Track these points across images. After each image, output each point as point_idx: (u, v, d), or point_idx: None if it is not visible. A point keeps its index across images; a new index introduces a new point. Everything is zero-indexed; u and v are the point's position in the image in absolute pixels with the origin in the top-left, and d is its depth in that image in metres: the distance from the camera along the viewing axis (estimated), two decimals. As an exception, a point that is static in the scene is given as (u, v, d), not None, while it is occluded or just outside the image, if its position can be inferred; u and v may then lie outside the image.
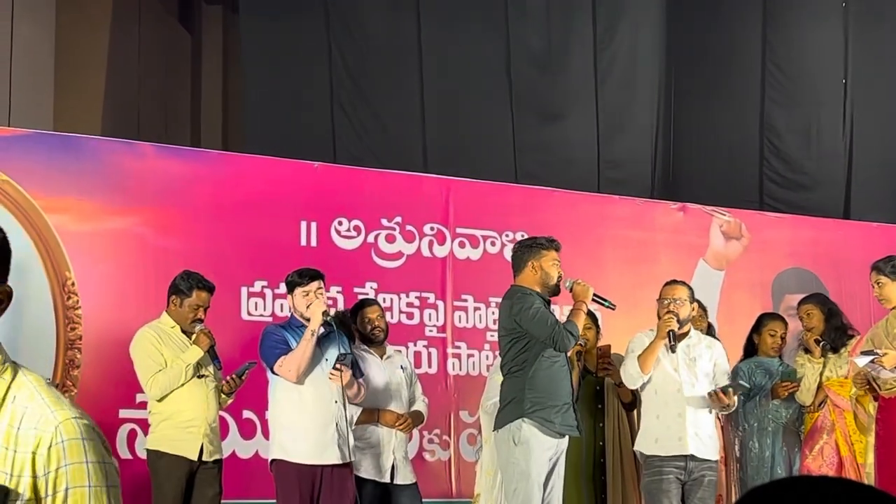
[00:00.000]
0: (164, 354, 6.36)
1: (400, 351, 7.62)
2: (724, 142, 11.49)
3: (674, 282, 6.71)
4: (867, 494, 1.34)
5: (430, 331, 7.86)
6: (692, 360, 6.46)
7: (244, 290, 8.49)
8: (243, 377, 6.61)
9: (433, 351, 8.13)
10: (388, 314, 8.53)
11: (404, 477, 6.85)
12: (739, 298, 9.92)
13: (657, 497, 6.34)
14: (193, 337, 6.34)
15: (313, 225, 8.78)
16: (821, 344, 6.92)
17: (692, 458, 6.35)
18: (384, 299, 8.81)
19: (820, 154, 11.52)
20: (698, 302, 7.44)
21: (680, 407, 6.40)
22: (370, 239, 8.98)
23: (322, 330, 6.40)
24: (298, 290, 6.48)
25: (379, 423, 6.75)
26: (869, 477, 6.86)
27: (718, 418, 7.12)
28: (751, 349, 7.31)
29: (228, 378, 6.57)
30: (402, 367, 7.04)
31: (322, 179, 8.94)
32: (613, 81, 11.41)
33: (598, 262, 9.61)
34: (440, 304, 9.00)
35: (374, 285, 8.86)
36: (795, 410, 7.07)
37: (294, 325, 6.48)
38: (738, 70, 11.79)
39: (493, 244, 9.35)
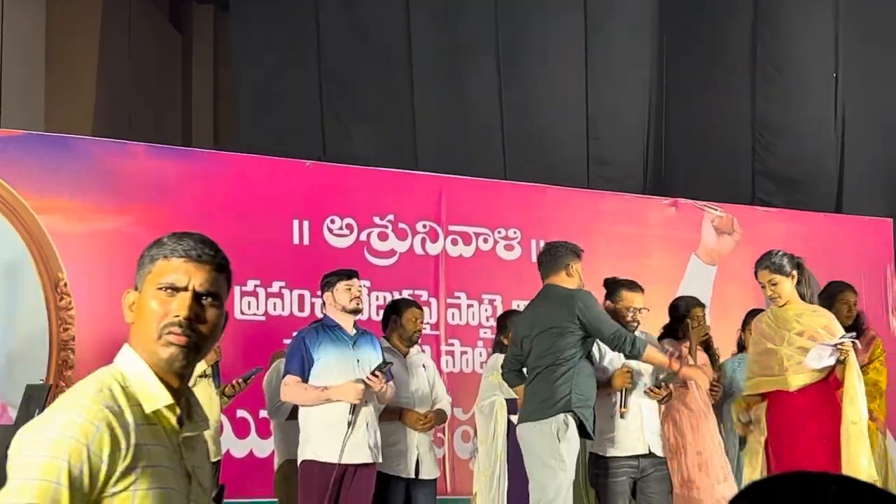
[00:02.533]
0: None
1: (424, 351, 7.62)
2: (715, 137, 11.50)
3: (636, 287, 6.68)
4: (863, 490, 1.34)
5: (423, 328, 7.84)
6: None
7: (237, 290, 8.48)
8: (248, 381, 6.63)
9: (426, 348, 8.13)
10: (380, 312, 8.54)
11: (429, 471, 6.85)
12: (732, 293, 9.93)
13: (613, 497, 6.37)
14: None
15: (306, 223, 8.78)
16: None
17: (647, 455, 6.40)
18: (377, 297, 8.81)
19: (811, 149, 11.53)
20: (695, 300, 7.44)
21: (635, 406, 6.43)
22: (363, 237, 8.97)
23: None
24: (342, 284, 6.49)
25: (399, 421, 6.75)
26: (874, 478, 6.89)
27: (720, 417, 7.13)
28: (742, 346, 7.30)
29: (234, 382, 6.58)
30: (423, 367, 7.03)
31: (314, 178, 8.94)
32: (604, 77, 11.41)
33: (591, 258, 9.58)
34: (433, 301, 9.00)
35: (367, 283, 8.85)
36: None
37: (329, 326, 6.48)
38: (729, 65, 11.80)
39: (485, 241, 9.35)
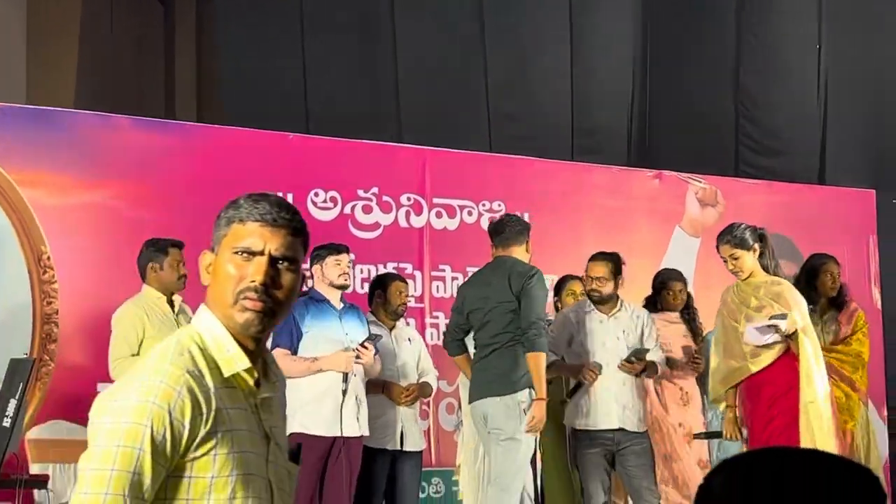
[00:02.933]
0: (146, 331, 6.31)
1: (408, 324, 7.63)
2: (699, 109, 11.50)
3: (596, 258, 6.69)
4: (838, 465, 1.34)
5: (408, 301, 7.84)
6: (622, 333, 6.51)
7: (221, 263, 8.44)
8: None
9: (411, 321, 8.14)
10: (365, 285, 8.53)
11: (413, 443, 6.88)
12: (716, 265, 9.90)
13: (590, 470, 6.41)
14: None
15: (289, 196, 8.73)
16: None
17: (620, 431, 6.42)
18: (361, 270, 8.81)
19: (795, 120, 11.54)
20: (677, 273, 7.45)
21: (607, 381, 6.45)
22: (347, 210, 8.95)
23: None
24: (331, 259, 6.52)
25: (383, 395, 6.76)
26: (857, 449, 6.91)
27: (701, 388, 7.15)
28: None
29: None
30: (409, 340, 7.05)
31: (297, 150, 8.91)
32: (589, 49, 11.39)
33: (576, 231, 9.61)
34: (417, 274, 9.00)
35: (352, 256, 8.84)
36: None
37: (316, 300, 6.50)
38: (713, 37, 11.79)
39: (469, 214, 9.34)
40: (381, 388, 6.79)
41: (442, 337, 6.70)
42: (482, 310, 6.34)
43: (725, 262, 6.24)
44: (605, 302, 6.57)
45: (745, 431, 6.20)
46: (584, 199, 9.82)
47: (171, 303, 6.46)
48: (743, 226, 6.37)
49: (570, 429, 6.54)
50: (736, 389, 6.21)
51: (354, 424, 6.33)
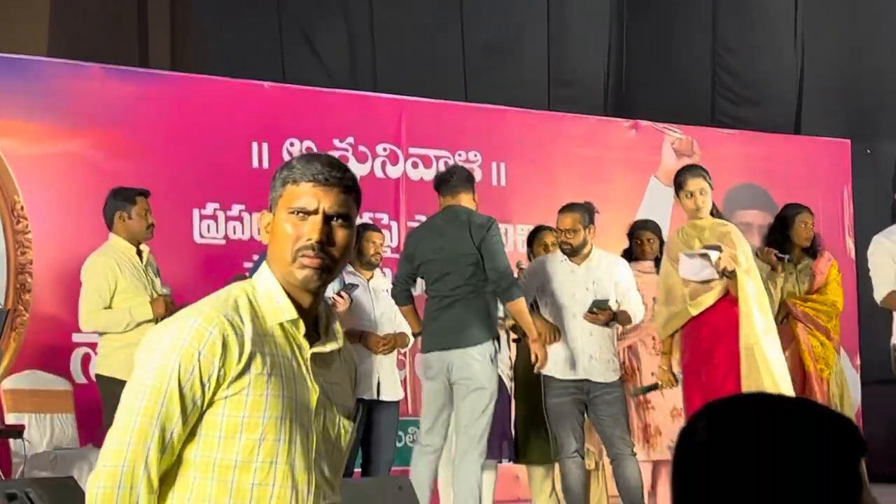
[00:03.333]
0: (118, 284, 6.25)
1: (385, 274, 7.62)
2: (676, 59, 11.47)
3: (565, 209, 6.68)
4: (820, 412, 1.35)
5: (384, 251, 7.83)
6: (593, 282, 6.49)
7: (196, 213, 8.43)
8: None
9: (387, 271, 8.14)
10: (341, 235, 8.52)
11: (390, 393, 6.89)
12: (691, 215, 9.96)
13: (559, 418, 6.44)
14: (156, 297, 6.22)
15: (265, 146, 8.72)
16: (782, 258, 6.95)
17: (588, 381, 6.44)
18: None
19: (771, 70, 11.53)
20: (651, 224, 7.46)
21: (575, 331, 6.45)
22: (322, 160, 8.90)
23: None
24: None
25: (360, 344, 6.74)
26: (833, 396, 6.95)
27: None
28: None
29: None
30: (386, 291, 7.02)
31: (273, 100, 8.87)
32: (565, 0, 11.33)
33: (551, 181, 9.61)
34: (394, 224, 9.00)
35: (328, 206, 8.82)
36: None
37: None
38: (690, -14, 11.74)
39: (446, 164, 9.32)
40: (358, 337, 6.80)
41: (391, 287, 6.67)
42: (437, 261, 6.33)
43: (690, 196, 6.15)
44: (577, 252, 6.56)
45: (680, 377, 6.22)
46: (561, 149, 9.82)
47: (139, 253, 6.40)
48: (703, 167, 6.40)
49: (543, 377, 6.57)
50: (674, 337, 6.20)
51: None
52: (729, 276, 6.01)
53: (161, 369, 2.27)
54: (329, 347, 2.44)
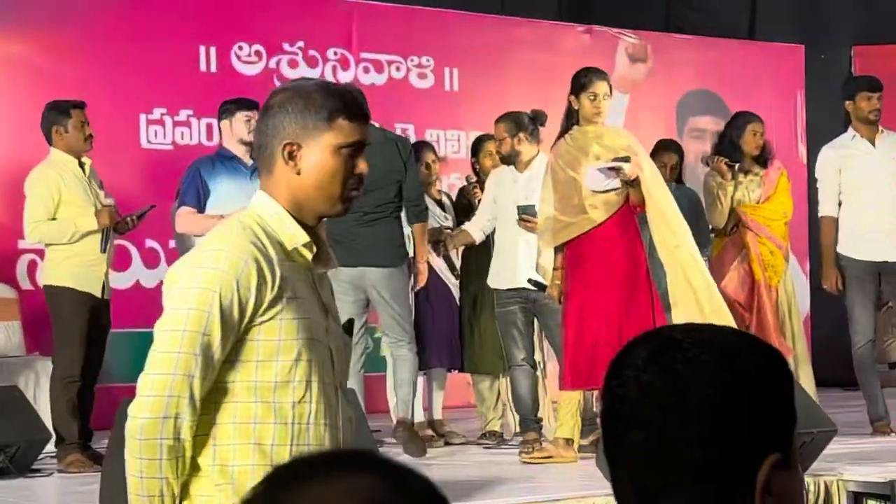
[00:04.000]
0: (62, 195, 6.18)
1: None
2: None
3: (497, 120, 6.60)
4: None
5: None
6: (533, 191, 6.40)
7: (143, 118, 8.31)
8: (142, 218, 6.48)
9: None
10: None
11: None
12: (644, 121, 9.94)
13: (506, 328, 6.44)
14: (100, 208, 6.15)
15: (212, 49, 8.58)
16: (733, 167, 6.94)
17: (527, 290, 6.40)
18: (287, 126, 8.70)
19: (727, -26, 11.43)
20: None
21: (515, 240, 6.42)
22: (272, 64, 8.80)
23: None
24: (241, 114, 6.32)
25: None
26: (781, 303, 6.99)
27: None
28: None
29: (128, 218, 6.40)
30: None
31: (221, 2, 8.71)
32: None
33: (504, 86, 9.54)
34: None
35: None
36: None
37: (225, 157, 6.34)
38: None
39: (398, 69, 9.23)
40: None
41: None
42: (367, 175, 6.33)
43: (593, 99, 6.01)
44: (511, 161, 6.45)
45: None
46: (514, 54, 9.73)
47: (81, 165, 6.32)
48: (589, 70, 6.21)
49: (492, 290, 6.56)
50: (564, 249, 6.06)
51: None
52: (632, 185, 5.89)
53: (202, 299, 2.32)
54: (327, 267, 2.54)
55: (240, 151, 6.35)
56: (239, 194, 6.25)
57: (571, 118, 6.13)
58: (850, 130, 7.06)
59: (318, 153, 2.42)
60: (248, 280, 2.33)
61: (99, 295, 6.20)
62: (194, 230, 6.26)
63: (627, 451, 1.29)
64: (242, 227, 2.40)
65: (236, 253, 2.34)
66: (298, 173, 2.42)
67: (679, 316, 5.84)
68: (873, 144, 6.99)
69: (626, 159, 5.87)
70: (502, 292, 6.49)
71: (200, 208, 6.24)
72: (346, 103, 2.45)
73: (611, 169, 5.86)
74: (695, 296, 5.88)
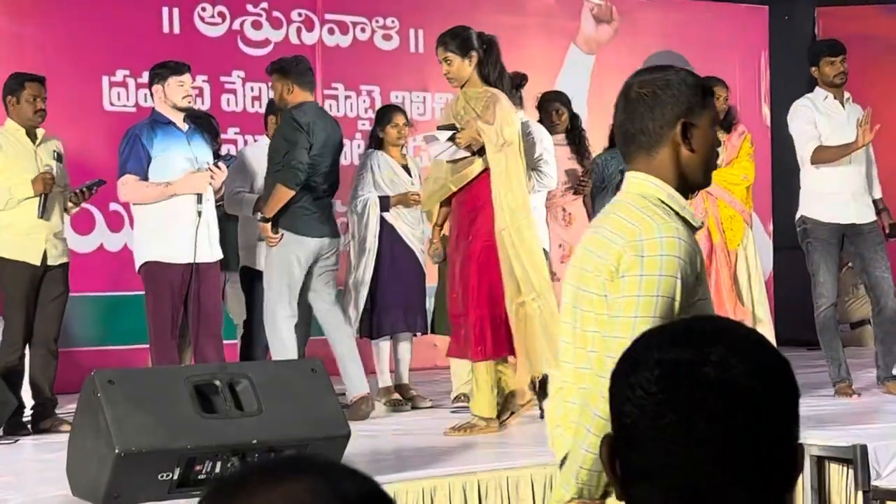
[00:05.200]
0: (0, 163, 6.17)
1: None
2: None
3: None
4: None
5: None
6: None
7: (105, 80, 8.24)
8: (93, 192, 6.45)
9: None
10: (255, 104, 8.40)
11: None
12: (609, 83, 9.85)
13: None
14: (35, 177, 6.12)
15: (175, 11, 8.50)
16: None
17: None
18: (252, 88, 8.65)
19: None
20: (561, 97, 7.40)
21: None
22: (235, 26, 8.73)
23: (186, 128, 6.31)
24: (173, 80, 6.25)
25: None
26: (741, 268, 7.00)
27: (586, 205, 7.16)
28: (613, 140, 7.31)
29: (76, 191, 6.39)
30: None
31: (184, -38, 8.63)
32: None
33: (469, 48, 9.50)
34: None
35: (242, 74, 8.66)
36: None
37: (161, 122, 6.27)
38: None
39: (363, 31, 9.18)
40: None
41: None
42: (325, 153, 6.39)
43: (441, 63, 5.94)
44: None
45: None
46: (480, 15, 9.66)
47: (33, 135, 6.29)
48: (468, 29, 6.04)
49: None
50: (441, 208, 5.96)
51: (208, 250, 6.25)
52: (479, 153, 5.72)
53: (666, 285, 2.43)
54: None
55: (174, 116, 6.29)
56: (179, 159, 6.22)
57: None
58: (821, 91, 7.03)
59: (706, 129, 2.58)
60: (691, 262, 2.47)
61: (38, 263, 6.17)
62: (140, 198, 6.23)
63: (697, 446, 1.24)
64: (654, 207, 2.52)
65: (682, 238, 2.47)
66: (692, 150, 2.56)
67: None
68: (843, 107, 7.01)
69: (451, 127, 5.71)
70: None
71: (144, 175, 6.19)
72: (704, 81, 2.65)
73: (433, 136, 5.76)
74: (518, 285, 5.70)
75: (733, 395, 1.23)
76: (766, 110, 10.81)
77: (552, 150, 6.61)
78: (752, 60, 10.79)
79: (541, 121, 7.18)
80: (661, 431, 1.24)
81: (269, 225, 6.31)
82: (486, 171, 5.77)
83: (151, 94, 6.45)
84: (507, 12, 9.76)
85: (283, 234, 6.34)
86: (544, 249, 6.21)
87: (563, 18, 10.06)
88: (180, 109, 6.26)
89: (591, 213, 7.17)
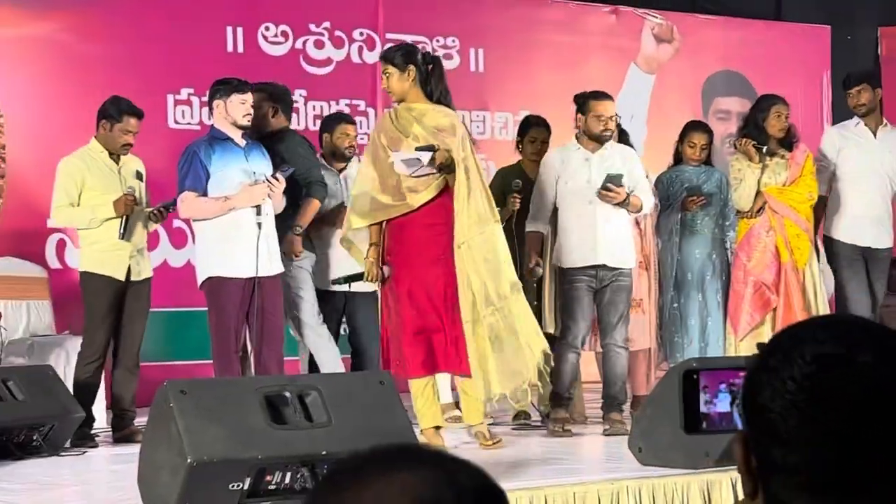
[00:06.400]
0: (86, 182, 6.27)
1: (360, 161, 7.57)
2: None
3: (602, 95, 6.58)
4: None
5: (361, 139, 7.78)
6: (606, 170, 6.42)
7: (170, 98, 8.34)
8: (169, 210, 6.52)
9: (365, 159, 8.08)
10: (317, 122, 8.45)
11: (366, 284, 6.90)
12: (670, 102, 9.92)
13: (570, 306, 6.41)
14: (117, 199, 6.20)
15: (239, 30, 8.59)
16: (760, 149, 6.92)
17: (603, 266, 6.39)
18: (314, 107, 8.71)
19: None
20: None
21: (591, 218, 6.40)
22: (298, 45, 8.81)
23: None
24: (236, 97, 6.28)
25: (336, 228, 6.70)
26: (808, 285, 6.99)
27: (638, 225, 7.08)
28: (678, 157, 7.29)
29: (154, 210, 6.46)
30: None
31: (247, -18, 8.72)
32: None
33: (530, 68, 9.53)
34: (370, 111, 8.91)
35: (304, 92, 8.73)
36: (714, 219, 7.09)
37: (219, 138, 6.31)
38: None
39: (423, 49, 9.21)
40: (332, 223, 6.78)
41: None
42: None
43: (381, 79, 6.02)
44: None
45: (386, 270, 5.87)
46: (540, 35, 9.71)
47: (116, 156, 6.38)
48: (410, 46, 6.11)
49: (558, 269, 6.52)
50: (381, 227, 5.89)
51: (268, 264, 6.26)
52: (445, 170, 5.75)
53: None
54: None
55: (233, 133, 6.32)
56: (238, 174, 6.25)
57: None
58: (856, 117, 7.36)
59: None
60: None
61: (122, 278, 6.26)
62: (200, 214, 6.27)
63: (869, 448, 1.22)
64: None
65: None
66: None
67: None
68: (875, 135, 7.30)
69: (431, 147, 5.72)
70: (573, 270, 6.42)
71: (203, 191, 6.23)
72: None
73: (415, 159, 5.71)
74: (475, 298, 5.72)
75: (889, 392, 1.22)
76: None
77: (644, 174, 6.66)
78: (813, 81, 10.73)
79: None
80: (815, 428, 1.22)
81: (300, 238, 6.52)
82: (444, 190, 5.82)
83: (211, 110, 6.48)
84: (568, 32, 9.78)
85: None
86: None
87: (624, 38, 10.05)
88: (240, 127, 6.31)
89: (658, 233, 7.12)
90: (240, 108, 6.27)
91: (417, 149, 5.75)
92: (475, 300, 5.70)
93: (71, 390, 6.19)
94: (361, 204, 5.93)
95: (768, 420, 1.24)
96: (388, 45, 6.12)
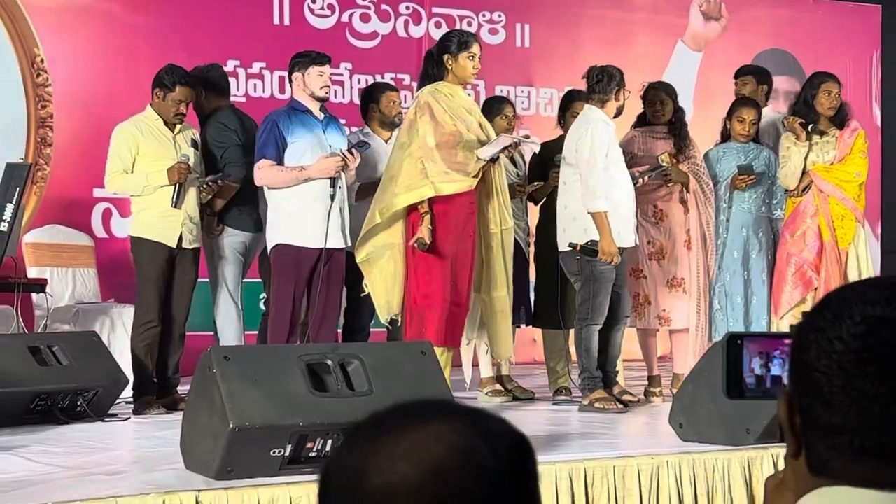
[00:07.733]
0: (140, 149, 6.29)
1: None
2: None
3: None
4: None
5: (403, 110, 7.77)
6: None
7: (217, 70, 8.35)
8: (219, 184, 6.52)
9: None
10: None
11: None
12: (717, 79, 9.81)
13: (602, 286, 6.27)
14: (171, 167, 6.23)
15: (286, 2, 8.61)
16: (807, 127, 6.84)
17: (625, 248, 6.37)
18: (359, 80, 8.71)
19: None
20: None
21: (631, 195, 6.38)
22: (344, 18, 8.81)
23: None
24: (314, 69, 6.32)
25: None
26: (851, 267, 6.92)
27: (685, 204, 7.00)
28: (726, 134, 7.21)
29: (205, 182, 6.47)
30: None
31: (294, -45, 8.73)
32: None
33: (576, 43, 9.49)
34: (415, 85, 8.89)
35: (349, 66, 8.74)
36: (761, 197, 7.02)
37: (298, 110, 6.34)
38: None
39: (469, 25, 9.20)
40: (373, 191, 6.78)
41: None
42: None
43: (471, 58, 6.28)
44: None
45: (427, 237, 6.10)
46: (586, 10, 9.66)
47: (171, 124, 6.39)
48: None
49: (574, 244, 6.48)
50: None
51: (339, 235, 6.30)
52: (494, 161, 6.19)
53: None
54: None
55: (311, 105, 6.36)
56: (315, 146, 6.30)
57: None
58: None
59: None
60: None
61: (173, 245, 6.29)
62: (274, 182, 6.31)
63: None
64: None
65: None
66: None
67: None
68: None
69: (527, 137, 6.09)
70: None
71: (279, 160, 6.27)
72: None
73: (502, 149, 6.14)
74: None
75: None
76: (876, 110, 10.63)
77: None
78: (863, 60, 10.62)
79: (644, 111, 7.06)
80: (861, 389, 1.20)
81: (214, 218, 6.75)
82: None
83: (290, 82, 6.50)
84: (614, 7, 9.73)
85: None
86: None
87: (671, 14, 9.99)
88: (318, 99, 6.34)
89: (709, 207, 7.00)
90: (318, 79, 6.31)
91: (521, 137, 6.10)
92: (496, 280, 6.24)
93: (118, 357, 6.24)
94: (412, 180, 6.10)
95: (814, 380, 1.23)
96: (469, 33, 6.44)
